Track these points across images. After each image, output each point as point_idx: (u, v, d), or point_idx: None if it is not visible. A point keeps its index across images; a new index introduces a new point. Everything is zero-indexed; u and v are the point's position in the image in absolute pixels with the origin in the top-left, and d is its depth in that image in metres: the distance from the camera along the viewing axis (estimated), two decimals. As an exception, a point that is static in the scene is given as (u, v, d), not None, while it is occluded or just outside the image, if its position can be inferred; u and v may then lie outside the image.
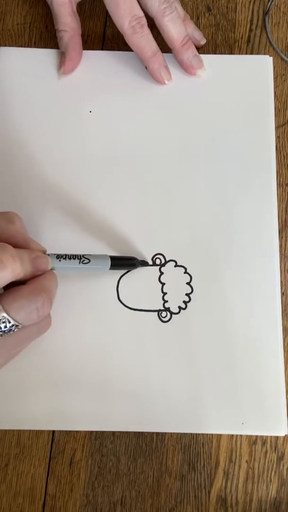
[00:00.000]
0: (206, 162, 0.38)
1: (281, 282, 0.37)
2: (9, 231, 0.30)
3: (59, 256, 0.32)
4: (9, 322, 0.27)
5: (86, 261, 0.32)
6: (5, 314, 0.27)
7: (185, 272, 0.37)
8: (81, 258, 0.32)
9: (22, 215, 0.37)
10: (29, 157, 0.38)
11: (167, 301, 0.36)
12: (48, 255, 0.31)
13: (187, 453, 0.35)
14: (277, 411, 0.35)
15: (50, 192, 0.38)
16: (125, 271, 0.36)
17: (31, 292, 0.28)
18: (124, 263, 0.36)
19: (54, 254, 0.32)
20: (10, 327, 0.28)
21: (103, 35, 0.43)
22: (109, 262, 0.34)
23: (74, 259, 0.32)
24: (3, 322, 0.27)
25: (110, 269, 0.34)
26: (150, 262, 0.36)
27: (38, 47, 0.42)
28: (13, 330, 0.28)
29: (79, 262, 0.32)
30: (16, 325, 0.28)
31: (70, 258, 0.32)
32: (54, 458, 0.35)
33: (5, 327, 0.27)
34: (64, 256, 0.32)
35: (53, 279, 0.31)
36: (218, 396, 0.35)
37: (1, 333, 0.28)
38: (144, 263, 0.36)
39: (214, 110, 0.39)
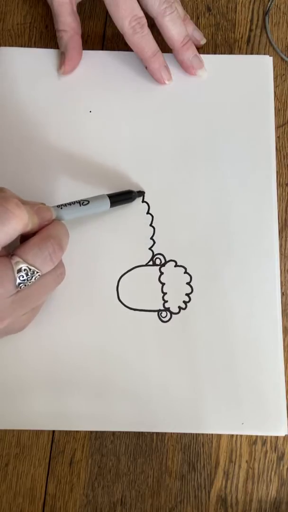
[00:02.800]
0: (206, 162, 0.38)
1: (281, 282, 0.37)
2: (3, 197, 0.30)
3: (59, 206, 0.33)
4: (30, 270, 0.29)
5: (86, 202, 0.34)
6: (24, 265, 0.29)
7: (185, 272, 0.37)
8: (80, 201, 0.33)
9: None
10: (29, 157, 0.38)
11: (167, 301, 0.36)
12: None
13: (187, 453, 0.35)
14: (277, 411, 0.35)
15: (50, 192, 0.38)
16: (125, 271, 0.36)
17: (41, 240, 0.30)
18: (122, 198, 0.37)
19: (54, 205, 0.33)
20: (31, 274, 0.29)
21: (103, 35, 0.43)
22: (108, 200, 0.35)
23: (74, 204, 0.33)
24: (25, 271, 0.29)
25: (111, 206, 0.35)
26: (119, 187, 0.37)
27: (38, 47, 0.42)
28: (35, 278, 0.29)
29: (80, 205, 0.33)
30: (37, 272, 0.29)
31: (70, 204, 0.33)
32: (54, 458, 0.35)
33: (27, 274, 0.29)
34: (64, 204, 0.33)
35: (60, 227, 0.32)
36: (218, 396, 0.35)
37: (24, 283, 0.29)
38: (140, 193, 0.38)
39: (214, 110, 0.39)
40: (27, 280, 0.29)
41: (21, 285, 0.29)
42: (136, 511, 0.35)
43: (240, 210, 0.38)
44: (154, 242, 0.37)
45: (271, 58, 0.40)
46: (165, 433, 0.35)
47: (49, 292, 0.32)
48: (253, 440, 0.36)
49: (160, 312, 0.36)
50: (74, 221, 0.37)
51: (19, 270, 0.29)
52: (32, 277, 0.29)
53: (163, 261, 0.37)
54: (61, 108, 0.39)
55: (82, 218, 0.35)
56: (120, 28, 0.37)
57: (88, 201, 0.34)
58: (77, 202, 0.33)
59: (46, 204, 0.32)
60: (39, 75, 0.40)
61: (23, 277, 0.29)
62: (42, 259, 0.30)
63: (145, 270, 0.37)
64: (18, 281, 0.29)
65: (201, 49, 0.42)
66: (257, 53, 0.42)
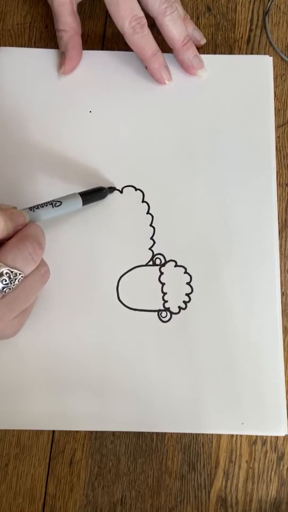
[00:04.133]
0: (206, 162, 0.38)
1: (281, 282, 0.37)
2: None
3: (31, 208, 0.32)
4: (12, 273, 0.29)
5: (58, 203, 0.33)
6: (5, 268, 0.28)
7: (185, 272, 0.37)
8: (53, 202, 0.33)
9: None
10: (29, 157, 0.38)
11: (167, 301, 0.36)
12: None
13: (187, 453, 0.35)
14: (277, 411, 0.35)
15: (50, 191, 0.38)
16: (125, 271, 0.36)
17: (19, 242, 0.30)
18: (94, 195, 0.36)
19: (26, 208, 0.32)
20: (14, 277, 0.29)
21: (103, 35, 0.43)
22: (80, 199, 0.35)
23: (46, 205, 0.33)
24: (7, 274, 0.28)
25: (84, 204, 0.35)
26: (120, 187, 0.37)
27: (38, 47, 0.42)
28: (18, 280, 0.29)
29: (52, 207, 0.33)
30: (19, 274, 0.29)
31: (42, 206, 0.33)
32: (54, 458, 0.35)
33: (10, 278, 0.28)
34: (36, 206, 0.33)
35: (36, 228, 0.31)
36: (218, 396, 0.35)
37: (7, 286, 0.29)
38: (112, 189, 0.37)
39: (214, 110, 0.39)
40: (11, 283, 0.28)
41: (5, 289, 0.28)
42: (136, 511, 0.35)
43: (240, 210, 0.38)
44: (154, 242, 0.37)
45: (271, 58, 0.40)
46: (165, 433, 0.35)
47: (36, 293, 0.32)
48: (253, 440, 0.36)
49: (160, 312, 0.36)
50: (74, 221, 0.37)
51: (1, 274, 0.28)
52: (15, 279, 0.29)
53: (163, 261, 0.37)
54: (61, 108, 0.39)
55: (56, 218, 0.35)
56: (120, 28, 0.37)
57: (60, 202, 0.33)
58: (49, 204, 0.33)
59: (17, 208, 0.32)
60: (39, 75, 0.40)
61: (5, 281, 0.28)
62: (23, 260, 0.29)
63: (145, 270, 0.37)
64: (1, 285, 0.28)
65: (201, 49, 0.42)
66: (257, 53, 0.42)
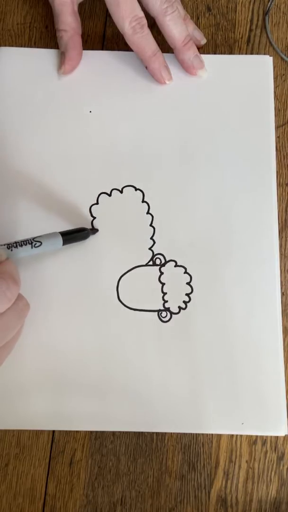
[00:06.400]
0: (206, 162, 0.38)
1: (281, 282, 0.37)
2: None
3: (9, 246, 0.32)
4: None
5: (38, 244, 0.33)
6: None
7: (185, 272, 0.37)
8: (32, 242, 0.33)
9: (21, 216, 0.37)
10: (29, 157, 0.38)
11: (167, 301, 0.36)
12: None
13: (187, 453, 0.35)
14: (277, 411, 0.35)
15: (50, 190, 0.38)
16: (125, 271, 0.36)
17: None
18: (76, 236, 0.36)
19: (4, 245, 0.32)
20: None
21: (103, 35, 0.43)
22: (61, 240, 0.34)
23: (26, 244, 0.32)
24: None
25: (64, 244, 0.34)
26: (120, 187, 0.37)
27: (38, 47, 0.42)
28: None
29: (31, 247, 0.33)
30: None
31: (21, 245, 0.32)
32: (54, 458, 0.35)
33: None
34: (15, 245, 0.32)
35: (9, 264, 0.31)
36: (218, 396, 0.35)
37: None
38: (94, 230, 0.37)
39: (214, 110, 0.39)
40: None
41: None
42: (136, 511, 0.35)
43: (240, 210, 0.38)
44: (154, 242, 0.37)
45: (271, 58, 0.40)
46: (165, 433, 0.35)
47: (15, 328, 0.31)
48: (253, 440, 0.36)
49: (160, 312, 0.36)
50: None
51: None
52: None
53: (163, 261, 0.37)
54: (61, 108, 0.39)
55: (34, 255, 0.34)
56: (121, 28, 0.37)
57: (40, 242, 0.33)
58: (28, 243, 0.33)
59: None
60: (39, 75, 0.40)
61: None
62: None
63: (145, 270, 0.37)
64: None
65: (201, 49, 0.42)
66: (257, 53, 0.42)
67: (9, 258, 0.32)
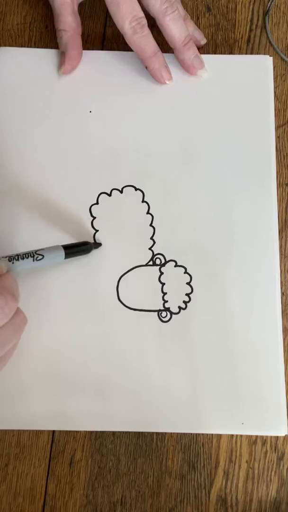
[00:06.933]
0: (206, 162, 0.38)
1: (281, 282, 0.37)
2: None
3: (11, 259, 0.32)
4: None
5: (40, 257, 0.33)
6: None
7: (185, 272, 0.37)
8: (34, 256, 0.33)
9: (20, 216, 0.37)
10: (29, 157, 0.38)
11: (167, 301, 0.36)
12: None
13: (187, 453, 0.35)
14: (277, 411, 0.35)
15: (51, 192, 0.38)
16: (125, 271, 0.36)
17: None
18: (78, 249, 0.36)
19: (6, 257, 0.32)
20: None
21: (103, 35, 0.43)
22: (63, 253, 0.34)
23: (27, 257, 0.32)
24: None
25: (66, 258, 0.34)
26: (120, 187, 0.37)
27: (38, 47, 0.42)
28: None
29: (33, 260, 0.32)
30: None
31: (23, 258, 0.32)
32: (54, 458, 0.35)
33: None
34: (16, 257, 0.32)
35: (9, 278, 0.31)
36: (218, 396, 0.35)
37: None
38: (97, 245, 0.37)
39: (214, 110, 0.39)
40: None
41: None
42: (136, 511, 0.35)
43: (240, 210, 0.38)
44: (154, 242, 0.37)
45: (271, 58, 0.40)
46: (165, 433, 0.35)
47: (11, 342, 0.31)
48: (253, 440, 0.36)
49: (160, 312, 0.36)
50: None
51: None
52: None
53: (163, 261, 0.37)
54: (61, 108, 0.39)
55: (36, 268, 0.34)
56: (121, 28, 0.37)
57: (43, 256, 0.33)
58: (30, 256, 0.32)
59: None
60: (39, 75, 0.40)
61: None
62: None
63: (145, 270, 0.37)
64: None
65: (201, 49, 0.42)
66: (257, 53, 0.42)
67: (9, 271, 0.31)
